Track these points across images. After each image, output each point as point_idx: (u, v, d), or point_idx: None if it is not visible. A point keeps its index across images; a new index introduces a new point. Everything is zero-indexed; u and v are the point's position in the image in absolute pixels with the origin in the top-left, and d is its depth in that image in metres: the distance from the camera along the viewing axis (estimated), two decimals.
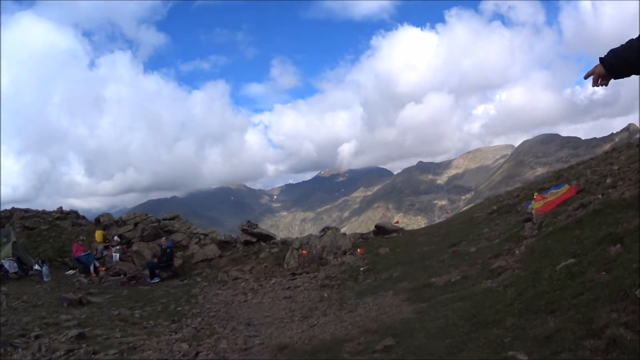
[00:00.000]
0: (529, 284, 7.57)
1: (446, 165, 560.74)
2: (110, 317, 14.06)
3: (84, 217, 35.25)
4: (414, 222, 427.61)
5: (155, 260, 23.67)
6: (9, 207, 35.92)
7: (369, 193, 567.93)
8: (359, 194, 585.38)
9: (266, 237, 26.44)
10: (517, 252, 10.78)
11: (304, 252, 21.53)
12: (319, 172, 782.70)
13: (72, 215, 34.85)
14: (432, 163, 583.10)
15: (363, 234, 27.02)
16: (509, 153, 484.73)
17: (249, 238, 26.21)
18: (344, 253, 20.99)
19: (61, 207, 35.79)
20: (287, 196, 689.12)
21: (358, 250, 19.81)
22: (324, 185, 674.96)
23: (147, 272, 23.30)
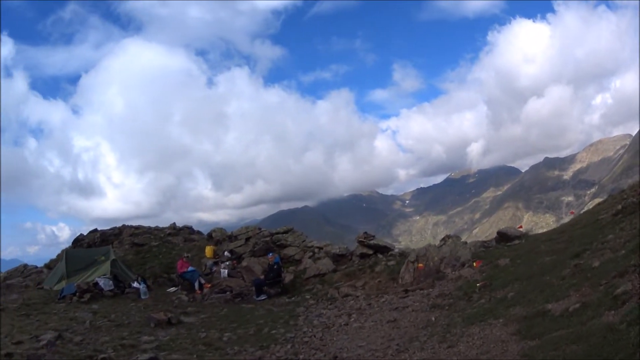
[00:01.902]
0: None
1: (571, 159, 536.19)
2: (194, 340, 13.77)
3: (198, 232, 35.66)
4: (543, 220, 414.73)
5: (262, 277, 23.15)
6: (132, 223, 37.43)
7: (499, 192, 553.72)
8: (489, 194, 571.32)
9: (383, 249, 24.98)
10: None
11: (420, 265, 20.00)
12: (449, 174, 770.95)
13: (185, 231, 35.34)
14: (557, 158, 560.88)
15: (485, 241, 24.90)
16: (628, 143, 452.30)
17: (365, 250, 24.94)
18: (463, 265, 19.19)
19: (174, 223, 36.41)
20: (419, 200, 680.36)
21: (474, 264, 18.03)
22: (455, 187, 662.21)
23: (254, 288, 22.75)
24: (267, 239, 28.08)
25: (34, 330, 13.54)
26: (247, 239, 29.05)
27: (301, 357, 11.80)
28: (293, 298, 21.43)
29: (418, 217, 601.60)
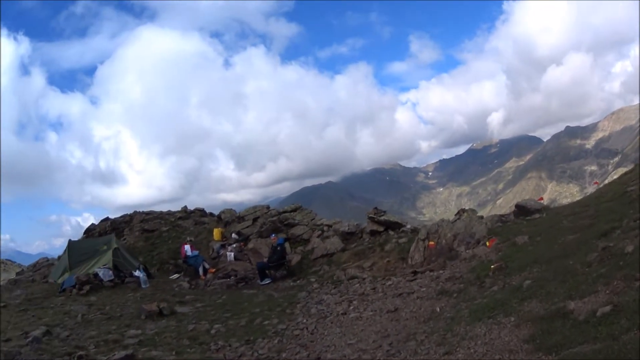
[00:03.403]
0: None
1: (592, 128, 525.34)
2: (181, 333, 12.81)
3: (210, 214, 34.24)
4: (566, 190, 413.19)
5: (265, 259, 21.56)
6: (157, 207, 36.45)
7: (521, 163, 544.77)
8: (512, 165, 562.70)
9: (395, 225, 22.88)
10: None
11: (431, 243, 18.09)
12: (471, 144, 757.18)
13: (196, 214, 34.07)
14: (579, 127, 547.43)
15: (503, 215, 22.74)
16: None
17: (375, 227, 22.92)
18: (478, 242, 17.21)
19: (185, 207, 35.13)
20: (442, 172, 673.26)
21: (487, 243, 15.93)
22: (477, 158, 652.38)
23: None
24: (275, 218, 26.38)
25: (27, 326, 13.17)
26: (255, 220, 27.45)
27: (284, 355, 10.52)
28: (298, 281, 20.04)
29: (441, 189, 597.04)
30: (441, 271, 15.34)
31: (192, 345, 11.71)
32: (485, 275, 12.37)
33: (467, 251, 16.77)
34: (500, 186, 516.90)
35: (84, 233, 34.33)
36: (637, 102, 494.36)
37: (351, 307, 13.61)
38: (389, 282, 15.82)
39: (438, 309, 10.97)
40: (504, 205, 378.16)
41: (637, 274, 7.39)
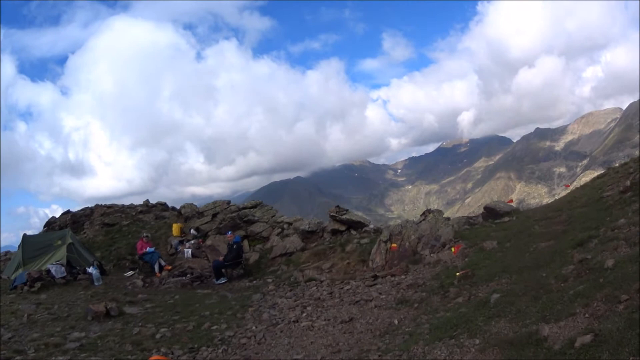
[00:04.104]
0: None
1: (562, 130, 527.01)
2: (125, 337, 11.89)
3: (172, 209, 33.10)
4: (535, 190, 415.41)
5: (221, 258, 20.44)
6: (126, 200, 35.37)
7: (491, 162, 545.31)
8: (481, 164, 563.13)
9: (357, 225, 21.90)
10: None
11: (393, 245, 17.14)
12: (441, 143, 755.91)
13: (158, 208, 33.05)
14: (548, 129, 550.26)
15: (470, 217, 21.93)
16: (619, 116, 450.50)
17: (337, 226, 21.89)
18: (443, 246, 16.36)
19: (147, 200, 34.19)
20: (411, 169, 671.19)
21: (452, 249, 14.95)
22: (447, 157, 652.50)
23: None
24: (234, 214, 25.23)
25: None
26: (215, 215, 26.30)
27: None
28: (254, 282, 19.12)
29: (410, 187, 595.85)
30: (403, 276, 14.46)
31: (134, 351, 10.89)
32: (450, 284, 11.46)
33: (431, 255, 15.95)
34: (469, 185, 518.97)
35: (44, 226, 33.17)
36: (606, 107, 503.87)
37: (304, 314, 12.65)
38: (347, 287, 14.89)
39: (396, 322, 9.99)
40: (473, 204, 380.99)
41: (620, 294, 6.34)
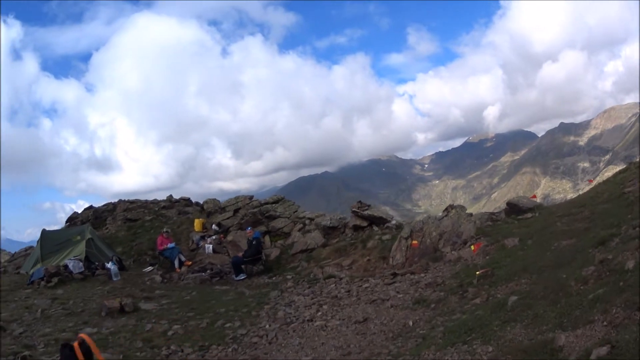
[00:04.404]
0: None
1: (585, 125, 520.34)
2: (136, 334, 11.77)
3: (196, 204, 32.94)
4: (560, 185, 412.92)
5: (240, 254, 20.21)
6: (154, 196, 35.38)
7: (516, 157, 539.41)
8: (507, 159, 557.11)
9: (379, 221, 21.45)
10: None
11: (414, 242, 16.71)
12: (467, 138, 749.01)
13: (181, 203, 32.88)
14: (572, 124, 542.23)
15: (493, 213, 21.28)
16: (639, 111, 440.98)
17: (359, 222, 21.49)
18: (465, 243, 15.86)
19: (170, 196, 33.98)
20: (438, 164, 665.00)
21: (472, 247, 14.35)
22: (473, 151, 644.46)
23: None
24: (256, 210, 24.95)
25: None
26: (237, 211, 26.05)
27: None
28: (273, 278, 18.81)
29: (437, 182, 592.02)
30: (422, 274, 14.01)
31: (143, 348, 10.77)
32: (469, 284, 10.99)
33: (452, 252, 15.48)
34: (496, 180, 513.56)
35: (67, 221, 33.06)
36: (627, 101, 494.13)
37: (319, 313, 12.31)
38: (366, 285, 14.49)
39: (411, 323, 9.56)
40: (499, 199, 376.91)
41: (638, 299, 5.90)
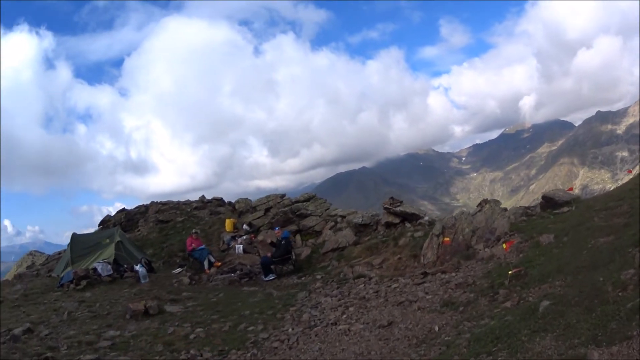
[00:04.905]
0: None
1: (623, 113, 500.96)
2: (158, 336, 11.74)
3: (229, 204, 32.83)
4: (598, 176, 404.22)
5: (269, 254, 19.83)
6: (190, 195, 35.75)
7: (554, 148, 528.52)
8: (544, 150, 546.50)
9: (412, 217, 20.71)
10: None
11: (446, 239, 15.98)
12: (504, 129, 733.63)
13: (213, 203, 32.95)
14: (610, 112, 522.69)
15: (528, 207, 20.28)
16: None
17: (391, 219, 20.84)
18: (498, 239, 15.08)
19: (203, 196, 34.14)
20: (475, 157, 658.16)
21: (504, 246, 13.45)
22: (510, 143, 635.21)
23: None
24: (286, 209, 24.57)
25: (14, 323, 12.69)
26: (268, 210, 25.75)
27: None
28: (303, 278, 18.47)
29: (475, 174, 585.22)
30: (453, 274, 13.31)
31: (164, 352, 10.65)
32: (501, 284, 10.28)
33: (485, 250, 14.73)
34: (533, 172, 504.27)
35: (99, 224, 33.62)
36: None
37: (344, 316, 11.79)
38: (395, 285, 13.86)
39: (437, 328, 8.94)
40: (537, 191, 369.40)
41: None
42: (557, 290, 8.39)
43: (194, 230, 23.26)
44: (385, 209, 21.23)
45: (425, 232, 18.14)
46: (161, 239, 27.17)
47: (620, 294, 6.70)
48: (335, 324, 11.22)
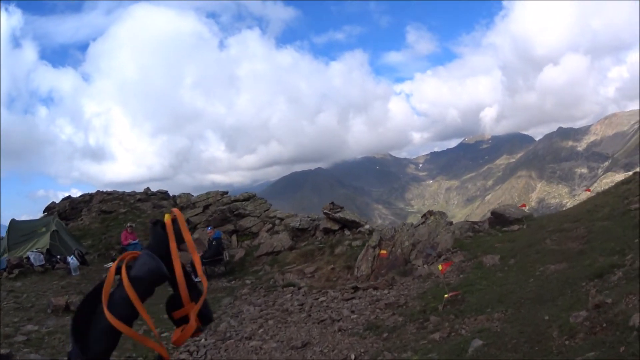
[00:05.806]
0: None
1: (585, 131, 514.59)
2: None
3: (173, 197, 32.17)
4: (555, 190, 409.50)
5: (200, 254, 18.81)
6: (146, 185, 34.67)
7: (512, 160, 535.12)
8: (503, 161, 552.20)
9: (351, 224, 19.83)
10: None
11: (382, 252, 15.21)
12: (463, 139, 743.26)
13: (157, 196, 32.37)
14: (571, 129, 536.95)
15: (475, 222, 19.64)
16: None
17: (330, 225, 19.93)
18: (439, 256, 14.42)
19: (147, 188, 33.47)
20: (433, 164, 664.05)
21: (440, 267, 12.38)
22: (469, 153, 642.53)
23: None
24: (225, 207, 23.53)
25: None
26: (207, 207, 24.62)
27: None
28: (233, 282, 17.63)
29: (431, 182, 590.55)
30: (386, 291, 12.52)
31: None
32: (434, 309, 9.44)
33: (424, 267, 14.00)
34: (490, 182, 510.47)
35: (44, 211, 32.69)
36: (631, 108, 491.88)
37: (261, 330, 11.02)
38: (322, 298, 13.05)
39: (353, 357, 8.11)
40: (493, 201, 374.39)
41: None
42: (494, 325, 7.55)
43: (128, 224, 22.28)
44: (325, 214, 20.40)
45: (364, 242, 17.36)
46: (102, 230, 26.38)
47: (567, 342, 5.67)
48: (250, 338, 10.50)
